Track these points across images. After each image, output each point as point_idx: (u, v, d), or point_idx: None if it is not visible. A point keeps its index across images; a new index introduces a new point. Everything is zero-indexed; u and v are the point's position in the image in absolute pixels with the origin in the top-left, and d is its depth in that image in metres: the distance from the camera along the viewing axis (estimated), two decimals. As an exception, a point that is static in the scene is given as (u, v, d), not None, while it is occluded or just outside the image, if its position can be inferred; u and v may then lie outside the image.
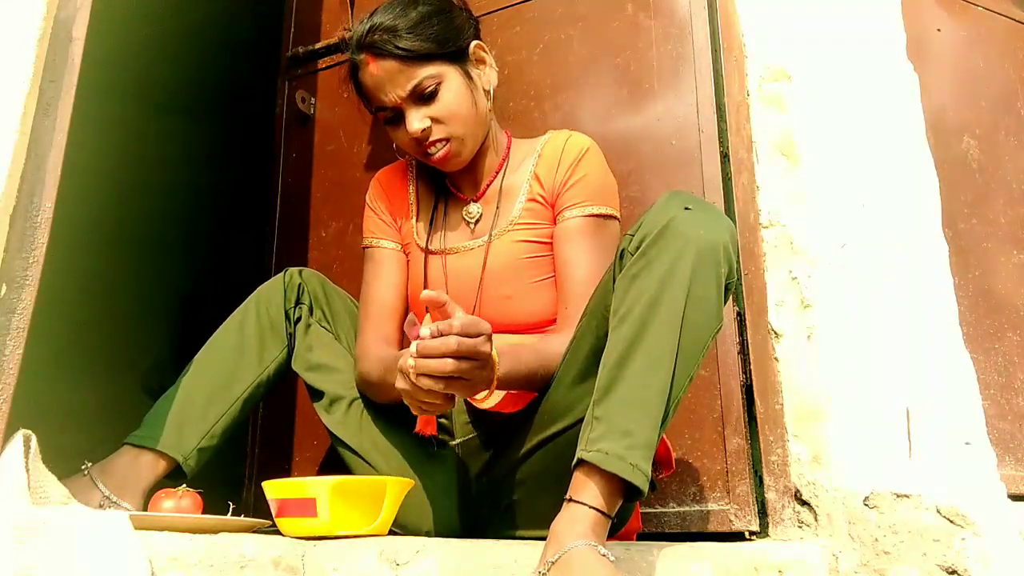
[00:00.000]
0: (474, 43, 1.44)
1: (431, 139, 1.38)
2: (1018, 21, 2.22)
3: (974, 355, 1.63)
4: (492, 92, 1.46)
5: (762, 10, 1.72)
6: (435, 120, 1.37)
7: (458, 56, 1.40)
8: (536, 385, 1.23)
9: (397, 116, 1.40)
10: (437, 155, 1.39)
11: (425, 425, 1.31)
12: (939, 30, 2.07)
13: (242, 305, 1.43)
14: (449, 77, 1.38)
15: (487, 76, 1.45)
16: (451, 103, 1.37)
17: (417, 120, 1.37)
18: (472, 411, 1.33)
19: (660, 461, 1.29)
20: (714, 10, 1.74)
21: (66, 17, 1.10)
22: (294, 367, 1.42)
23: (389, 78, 1.36)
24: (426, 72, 1.36)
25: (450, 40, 1.39)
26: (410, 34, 1.35)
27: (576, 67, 1.83)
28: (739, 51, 1.72)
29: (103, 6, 1.20)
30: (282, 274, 1.45)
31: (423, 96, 1.37)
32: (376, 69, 1.37)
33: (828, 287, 1.53)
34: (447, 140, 1.38)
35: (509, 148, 1.50)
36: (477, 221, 1.45)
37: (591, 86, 1.80)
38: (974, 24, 2.14)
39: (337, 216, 2.02)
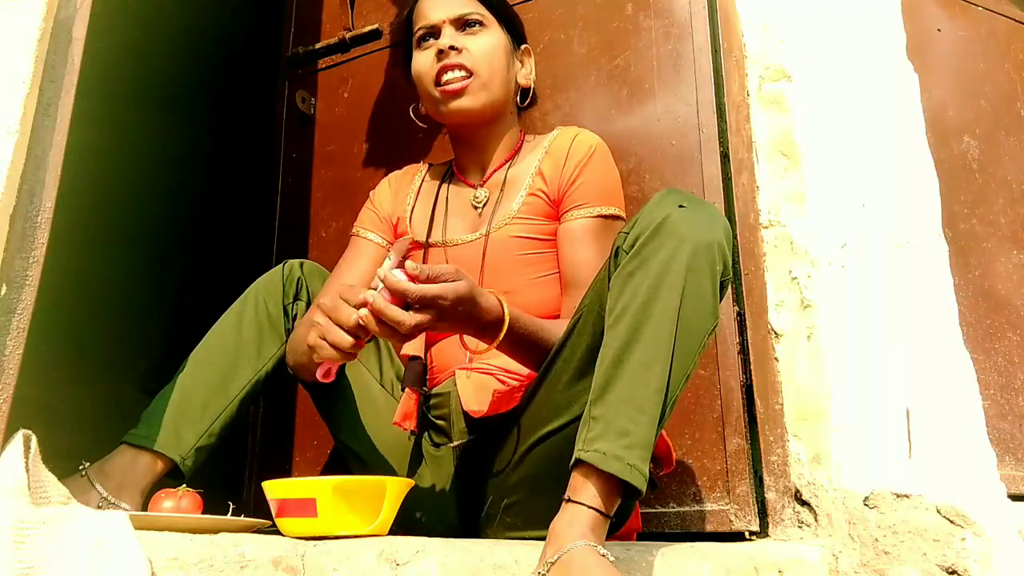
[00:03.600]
0: (525, 45, 1.55)
1: (453, 61, 1.42)
2: (1018, 21, 2.22)
3: (974, 355, 1.63)
4: (525, 93, 1.53)
5: (762, 10, 1.72)
6: (466, 49, 1.43)
7: (511, 32, 1.51)
8: (532, 353, 1.23)
9: (431, 38, 1.46)
10: (452, 84, 1.42)
11: (404, 419, 1.30)
12: (939, 30, 2.08)
13: (240, 299, 1.40)
14: (496, 32, 1.48)
15: (523, 71, 1.53)
16: (486, 47, 1.45)
17: (449, 37, 1.44)
18: (468, 415, 1.33)
19: (661, 458, 1.29)
20: (714, 10, 1.74)
21: (66, 17, 1.09)
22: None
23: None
24: (478, 10, 1.46)
25: (508, 17, 1.51)
26: None
27: (576, 67, 1.83)
28: (739, 51, 1.72)
29: (103, 6, 1.20)
30: (281, 266, 1.42)
31: (465, 25, 1.46)
32: None
33: (828, 287, 1.53)
34: (467, 74, 1.42)
35: (521, 143, 1.51)
36: (484, 205, 1.46)
37: (591, 86, 1.80)
38: (974, 24, 2.14)
39: (337, 216, 2.02)
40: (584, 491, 0.97)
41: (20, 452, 0.90)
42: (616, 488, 0.98)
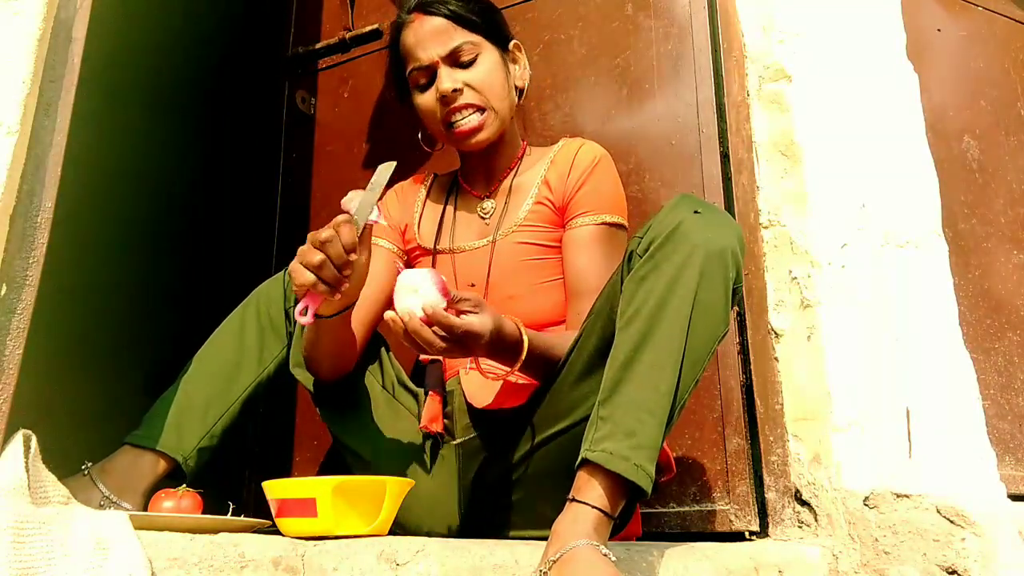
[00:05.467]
0: (513, 41, 1.50)
1: (461, 103, 1.39)
2: (1018, 21, 2.22)
3: (974, 355, 1.64)
4: (522, 92, 1.50)
5: (762, 10, 1.72)
6: (468, 86, 1.40)
7: (499, 41, 1.46)
8: (540, 373, 1.25)
9: (429, 81, 1.42)
10: (463, 125, 1.40)
11: (431, 422, 1.31)
12: (939, 30, 2.08)
13: (242, 304, 1.42)
14: (488, 51, 1.43)
15: (520, 73, 1.50)
16: (486, 74, 1.41)
17: (449, 79, 1.39)
18: (473, 411, 1.33)
19: (661, 465, 1.30)
20: (714, 10, 1.74)
21: (66, 17, 1.10)
22: (291, 368, 1.42)
23: (432, 35, 1.40)
24: (468, 38, 1.41)
25: (493, 25, 1.45)
26: (460, 2, 1.41)
27: (576, 67, 1.83)
28: (739, 51, 1.72)
29: (103, 6, 1.20)
30: (282, 273, 1.44)
31: (460, 61, 1.40)
32: (421, 25, 1.41)
33: (828, 287, 1.53)
34: (477, 110, 1.40)
35: (524, 152, 1.52)
36: (490, 215, 1.47)
37: (591, 86, 1.80)
38: (974, 24, 2.14)
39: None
40: (589, 491, 0.97)
41: (20, 452, 0.90)
42: (621, 488, 0.98)
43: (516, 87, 1.49)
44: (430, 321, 1.08)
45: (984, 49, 2.13)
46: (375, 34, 2.11)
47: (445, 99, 1.39)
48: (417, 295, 1.09)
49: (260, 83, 2.49)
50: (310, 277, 1.09)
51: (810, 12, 1.72)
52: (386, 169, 1.18)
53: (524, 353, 1.17)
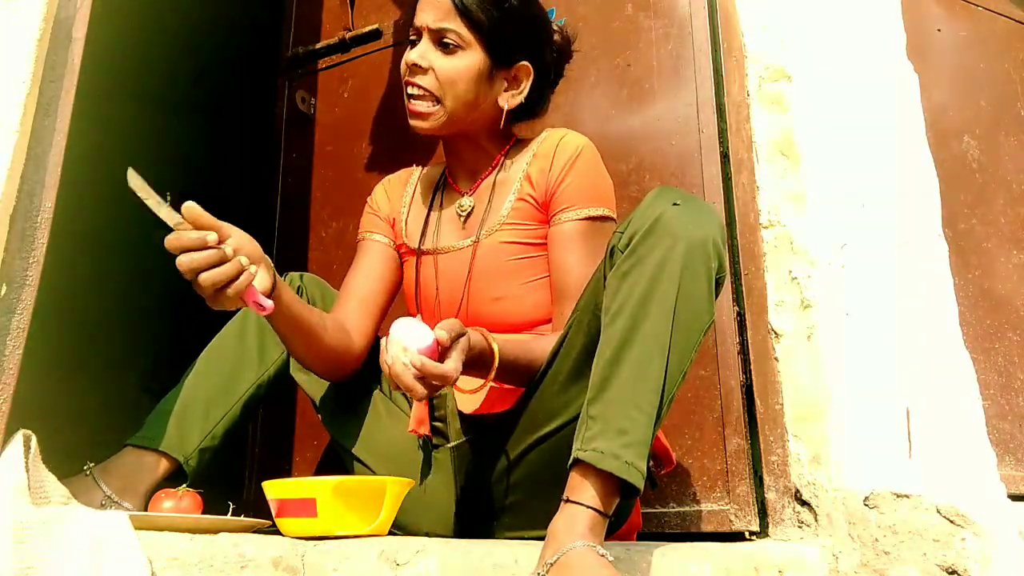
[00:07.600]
0: (523, 63, 1.40)
1: (415, 80, 1.35)
2: (1018, 21, 2.22)
3: (974, 355, 1.63)
4: (509, 115, 1.42)
5: (762, 10, 1.72)
6: (432, 70, 1.35)
7: (497, 54, 1.37)
8: (518, 380, 1.24)
9: (415, 43, 1.38)
10: (412, 105, 1.37)
11: (419, 425, 1.31)
12: (939, 30, 2.08)
13: (242, 308, 1.42)
14: (472, 55, 1.35)
15: (509, 95, 1.41)
16: (455, 72, 1.35)
17: (418, 55, 1.35)
18: (464, 415, 1.33)
19: (660, 457, 1.30)
20: (714, 10, 1.74)
21: (66, 17, 1.10)
22: (291, 371, 1.42)
23: (433, 5, 1.35)
24: (459, 30, 1.34)
25: (501, 39, 1.36)
26: None
27: (576, 67, 1.83)
28: (739, 51, 1.72)
29: (103, 6, 1.20)
30: (284, 277, 1.45)
31: (440, 42, 1.35)
32: None
33: (828, 287, 1.53)
34: (427, 95, 1.36)
35: (510, 146, 1.47)
36: (469, 215, 1.43)
37: (591, 86, 1.80)
38: (974, 24, 2.14)
39: (337, 216, 2.02)
40: (582, 491, 0.97)
41: (20, 452, 0.90)
42: (614, 487, 0.98)
43: (498, 103, 1.40)
44: (420, 373, 1.05)
45: (984, 49, 2.13)
46: (375, 34, 2.11)
47: (408, 67, 1.36)
48: (404, 347, 1.07)
49: (260, 83, 2.49)
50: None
51: (810, 12, 1.72)
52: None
53: (495, 367, 1.16)
